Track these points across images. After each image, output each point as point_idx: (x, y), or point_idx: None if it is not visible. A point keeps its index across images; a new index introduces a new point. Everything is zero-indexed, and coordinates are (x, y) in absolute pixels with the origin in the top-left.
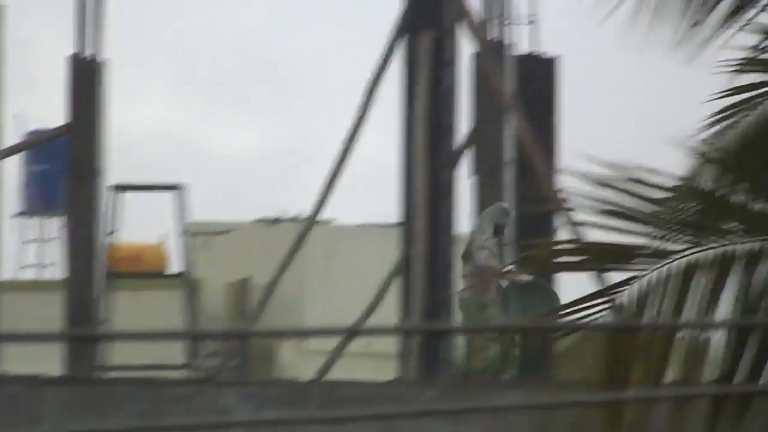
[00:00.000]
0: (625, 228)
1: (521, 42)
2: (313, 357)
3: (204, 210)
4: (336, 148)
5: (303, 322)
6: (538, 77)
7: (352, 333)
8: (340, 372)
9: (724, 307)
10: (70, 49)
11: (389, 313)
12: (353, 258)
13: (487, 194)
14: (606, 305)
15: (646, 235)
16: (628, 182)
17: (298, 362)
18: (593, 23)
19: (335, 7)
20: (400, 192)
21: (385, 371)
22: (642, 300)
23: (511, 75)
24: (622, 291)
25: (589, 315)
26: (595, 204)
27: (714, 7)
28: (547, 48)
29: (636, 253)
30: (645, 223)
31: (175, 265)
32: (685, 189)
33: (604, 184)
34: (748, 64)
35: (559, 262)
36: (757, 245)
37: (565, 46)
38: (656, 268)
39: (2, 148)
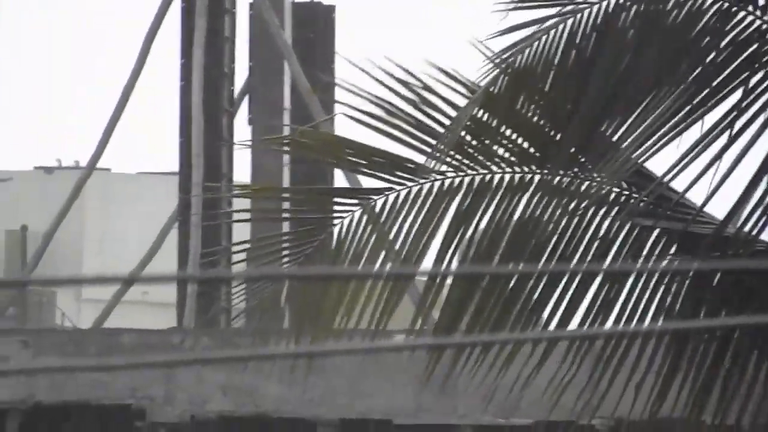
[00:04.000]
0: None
1: None
2: (91, 305)
3: None
4: (115, 96)
5: (81, 271)
6: (316, 25)
7: (129, 281)
8: (118, 320)
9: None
10: None
11: (168, 261)
12: (132, 206)
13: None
14: (356, 207)
15: (419, 150)
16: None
17: (75, 310)
18: None
19: None
20: (178, 140)
21: (164, 319)
22: (392, 212)
23: (289, 23)
24: (374, 198)
25: (337, 212)
26: (377, 110)
27: None
28: None
29: (403, 165)
30: (421, 138)
31: None
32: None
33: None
34: None
35: (323, 151)
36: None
37: None
38: (414, 185)
39: None
